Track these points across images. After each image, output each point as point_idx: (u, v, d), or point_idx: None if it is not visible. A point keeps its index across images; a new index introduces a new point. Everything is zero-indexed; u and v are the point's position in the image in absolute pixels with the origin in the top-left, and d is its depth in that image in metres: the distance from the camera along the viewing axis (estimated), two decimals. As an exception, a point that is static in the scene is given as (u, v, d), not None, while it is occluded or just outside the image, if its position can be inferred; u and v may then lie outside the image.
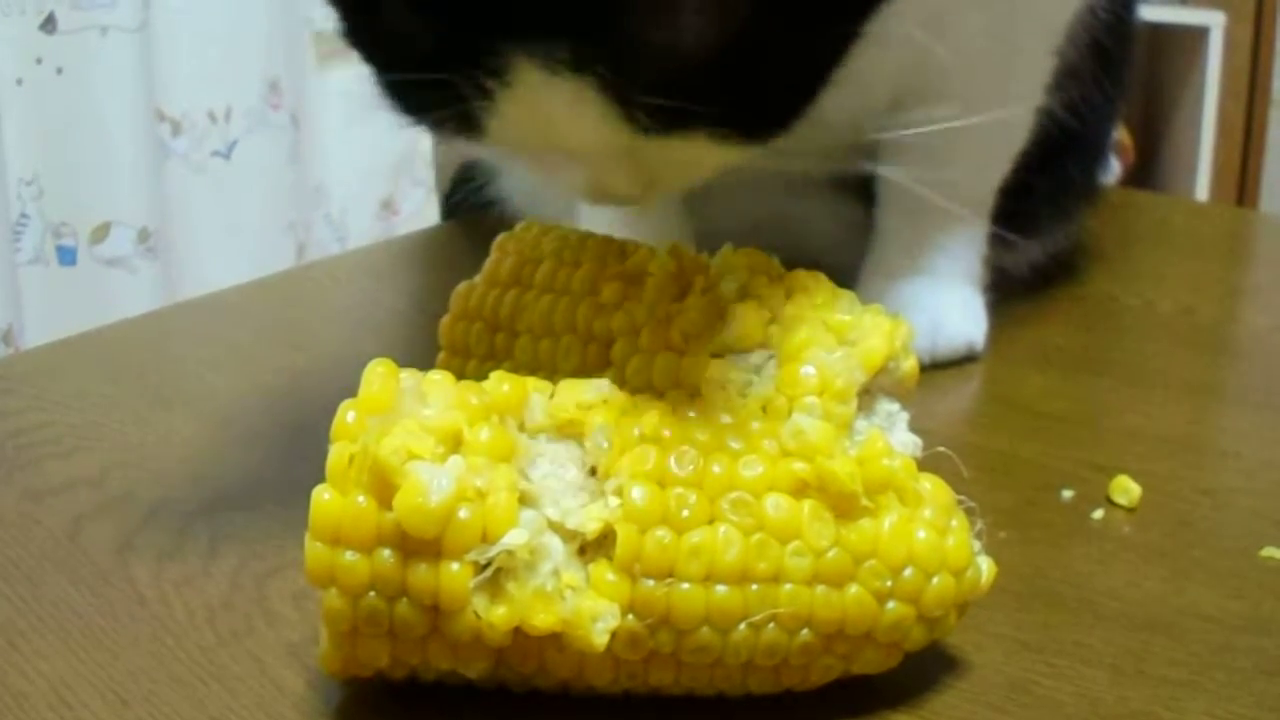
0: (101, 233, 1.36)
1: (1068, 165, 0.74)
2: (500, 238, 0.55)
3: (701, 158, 0.48)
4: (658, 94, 0.43)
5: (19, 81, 1.29)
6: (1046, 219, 0.76)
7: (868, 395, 0.49)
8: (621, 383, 0.44)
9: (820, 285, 0.50)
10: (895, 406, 0.50)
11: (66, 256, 1.35)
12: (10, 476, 0.56)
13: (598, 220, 0.70)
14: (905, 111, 0.65)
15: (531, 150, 0.48)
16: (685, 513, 0.37)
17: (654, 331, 0.49)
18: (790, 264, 0.51)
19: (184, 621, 0.45)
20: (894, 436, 0.48)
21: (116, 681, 0.42)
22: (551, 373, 0.49)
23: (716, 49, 0.43)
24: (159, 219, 1.39)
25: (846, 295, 0.51)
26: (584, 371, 0.49)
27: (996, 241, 0.72)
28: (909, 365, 0.50)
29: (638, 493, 0.37)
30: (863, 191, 0.71)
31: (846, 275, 0.68)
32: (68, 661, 0.43)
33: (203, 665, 0.43)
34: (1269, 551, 0.49)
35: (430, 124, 0.49)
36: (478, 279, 0.54)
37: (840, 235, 0.73)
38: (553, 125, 0.45)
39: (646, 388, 0.47)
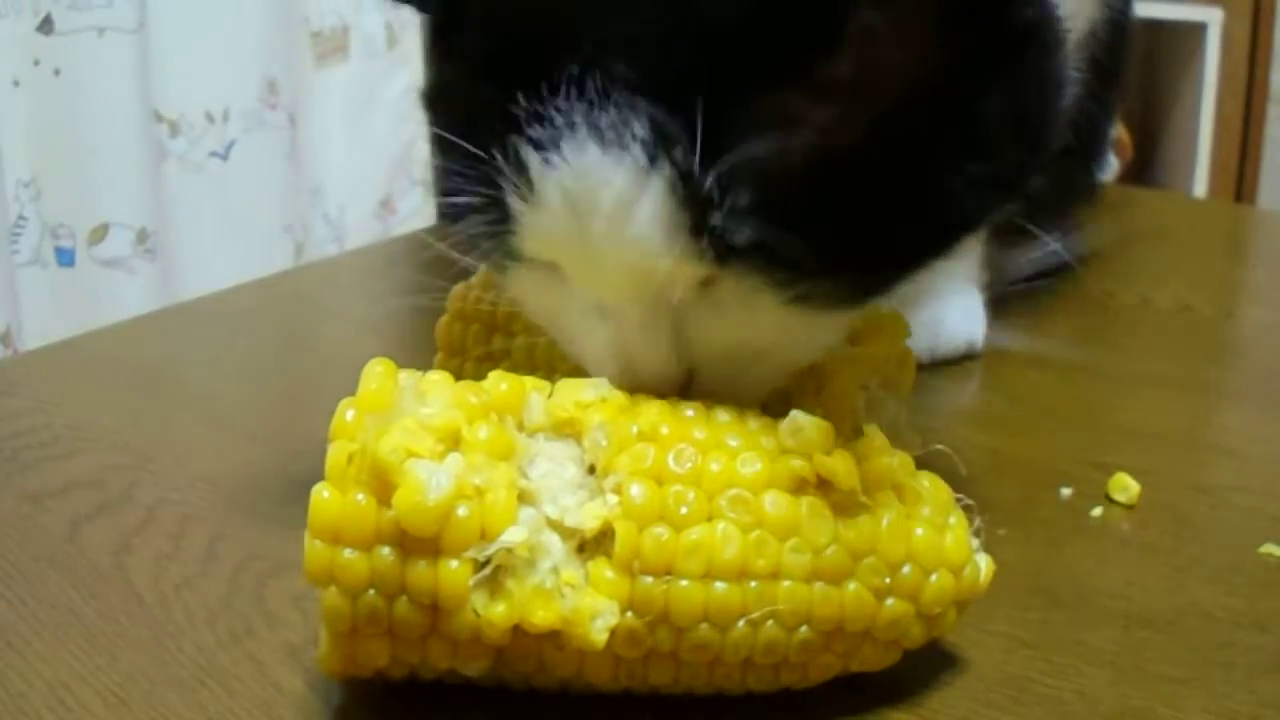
0: (100, 234, 1.36)
1: (1066, 166, 0.74)
2: None
3: (758, 338, 0.40)
4: (743, 210, 0.36)
5: (16, 83, 1.29)
6: (1045, 218, 0.76)
7: (866, 391, 0.49)
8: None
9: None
10: (894, 402, 0.50)
11: (65, 257, 1.35)
12: (9, 478, 0.56)
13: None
14: None
15: (565, 262, 0.40)
16: (684, 510, 0.37)
17: None
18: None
19: (183, 623, 0.45)
20: (894, 432, 0.48)
21: (116, 683, 0.42)
22: (550, 372, 0.49)
23: (820, 169, 0.36)
24: (157, 220, 1.39)
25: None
26: (582, 371, 0.49)
27: (995, 241, 0.72)
28: (908, 361, 0.50)
29: (636, 490, 0.37)
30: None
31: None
32: (67, 663, 0.43)
33: (202, 666, 0.43)
34: (1267, 548, 0.49)
35: (468, 225, 0.40)
36: (474, 280, 0.54)
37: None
38: (596, 226, 0.37)
39: None
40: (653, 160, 0.36)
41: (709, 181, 0.35)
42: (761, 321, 0.39)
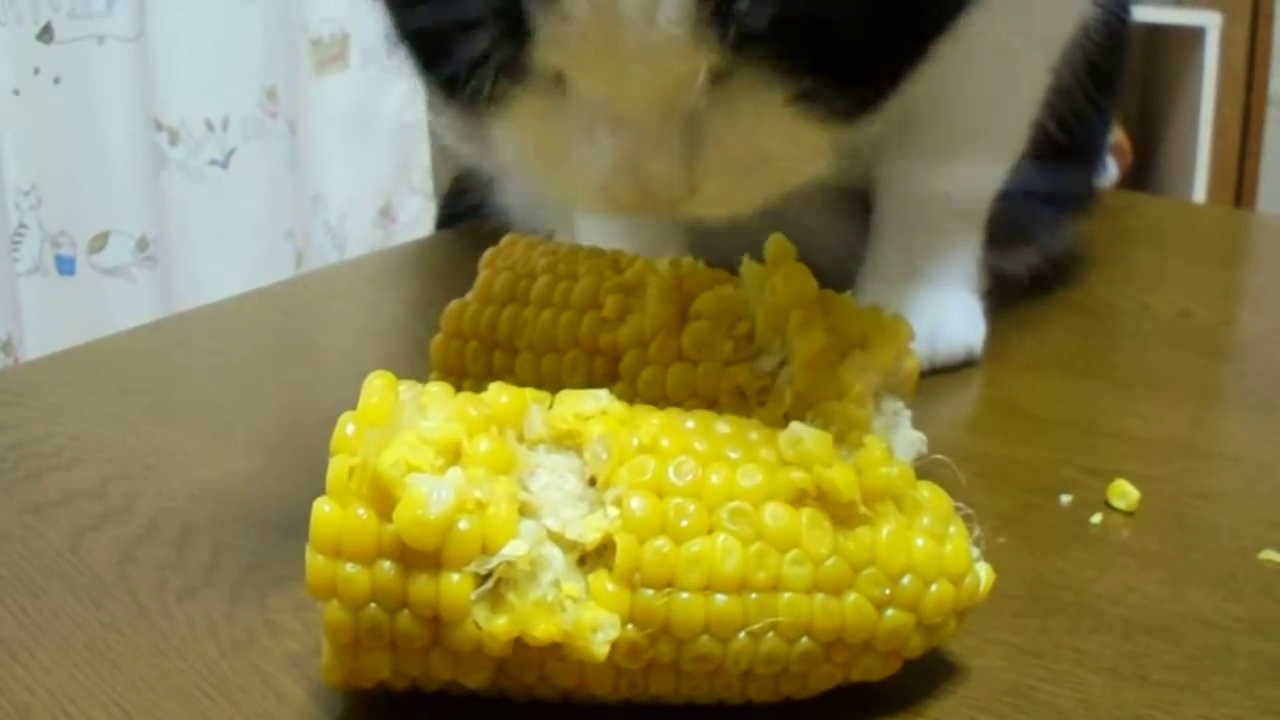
0: (100, 242, 1.36)
1: (1064, 171, 0.74)
2: (488, 254, 0.54)
3: (771, 146, 0.42)
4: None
5: (16, 91, 1.29)
6: (1043, 224, 0.76)
7: (875, 395, 0.49)
8: (633, 396, 0.44)
9: (825, 294, 0.50)
10: (899, 404, 0.50)
11: (65, 266, 1.35)
12: (11, 489, 0.56)
13: (592, 233, 0.70)
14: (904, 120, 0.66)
15: (584, 73, 0.40)
16: (684, 522, 0.37)
17: (664, 342, 0.48)
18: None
19: (186, 633, 0.45)
20: (899, 434, 0.49)
21: (118, 694, 0.42)
22: (556, 389, 0.49)
23: None
24: (157, 228, 1.39)
25: (844, 298, 0.51)
26: (591, 386, 0.49)
27: (993, 246, 0.72)
28: (910, 363, 0.50)
29: (637, 503, 0.37)
30: (859, 197, 0.71)
31: (844, 280, 0.68)
32: (70, 674, 0.43)
33: (205, 677, 0.43)
34: (1267, 554, 0.49)
35: (463, 61, 0.39)
36: (469, 296, 0.54)
37: (837, 240, 0.73)
38: (620, 33, 0.37)
39: (661, 400, 0.46)
40: None
41: None
42: (768, 124, 0.40)
